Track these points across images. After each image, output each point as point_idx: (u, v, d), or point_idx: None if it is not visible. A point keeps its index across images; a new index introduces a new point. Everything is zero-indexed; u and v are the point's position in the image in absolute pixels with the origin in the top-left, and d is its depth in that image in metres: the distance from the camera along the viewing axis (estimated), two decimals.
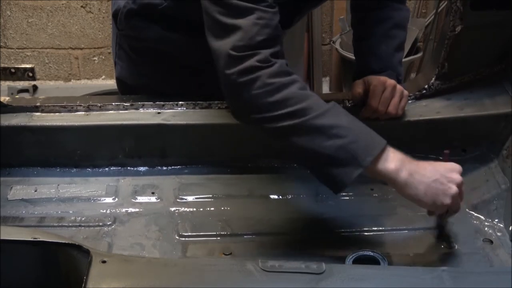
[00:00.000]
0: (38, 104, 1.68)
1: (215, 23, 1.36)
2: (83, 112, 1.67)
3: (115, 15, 1.74)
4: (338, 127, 1.30)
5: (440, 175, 1.31)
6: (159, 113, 1.67)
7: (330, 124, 1.30)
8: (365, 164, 1.28)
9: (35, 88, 3.71)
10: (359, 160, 1.28)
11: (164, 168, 1.68)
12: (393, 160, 1.31)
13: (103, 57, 3.91)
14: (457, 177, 1.32)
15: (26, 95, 3.60)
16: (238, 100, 1.37)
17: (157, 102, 1.69)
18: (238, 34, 1.31)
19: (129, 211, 1.56)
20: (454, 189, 1.30)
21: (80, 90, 3.68)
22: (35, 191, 1.59)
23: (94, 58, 3.91)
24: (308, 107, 1.30)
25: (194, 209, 1.56)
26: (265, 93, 1.31)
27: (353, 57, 1.80)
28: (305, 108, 1.30)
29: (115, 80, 1.92)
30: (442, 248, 1.44)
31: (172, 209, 1.56)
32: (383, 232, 1.50)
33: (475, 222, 1.52)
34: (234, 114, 1.45)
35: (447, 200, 1.30)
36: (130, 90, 1.80)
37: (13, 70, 2.28)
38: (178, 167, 1.68)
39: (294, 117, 1.30)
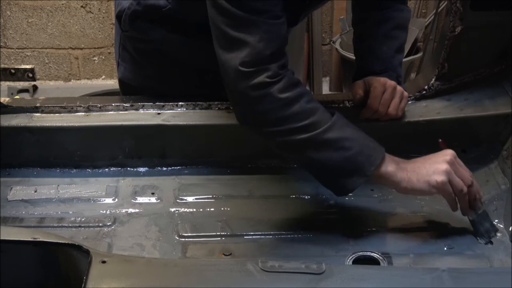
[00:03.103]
0: (38, 104, 1.68)
1: (222, 35, 1.36)
2: (83, 113, 1.68)
3: (119, 16, 1.73)
4: (344, 140, 1.36)
5: (429, 161, 1.38)
6: (159, 113, 1.67)
7: (337, 138, 1.36)
8: (369, 173, 1.37)
9: (35, 88, 3.71)
10: (364, 170, 1.36)
11: (164, 168, 1.68)
12: (390, 165, 1.38)
13: (103, 57, 3.91)
14: (446, 156, 1.37)
15: (26, 95, 3.60)
16: (249, 114, 1.41)
17: (157, 103, 1.69)
18: (246, 50, 1.32)
19: (129, 212, 1.56)
20: (444, 166, 1.35)
21: (80, 90, 3.68)
22: (35, 191, 1.59)
23: (94, 58, 3.92)
24: (316, 122, 1.35)
25: (194, 210, 1.56)
26: (276, 109, 1.35)
27: (353, 57, 1.80)
28: (314, 122, 1.35)
29: (115, 80, 1.92)
30: (442, 248, 1.44)
31: (172, 209, 1.56)
32: (383, 232, 1.50)
33: None
34: (246, 126, 1.47)
35: (441, 177, 1.35)
36: (133, 91, 1.80)
37: (13, 71, 2.26)
38: (178, 167, 1.69)
39: (305, 131, 1.35)
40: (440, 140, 1.49)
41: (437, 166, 1.36)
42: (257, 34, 1.32)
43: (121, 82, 1.87)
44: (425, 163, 1.38)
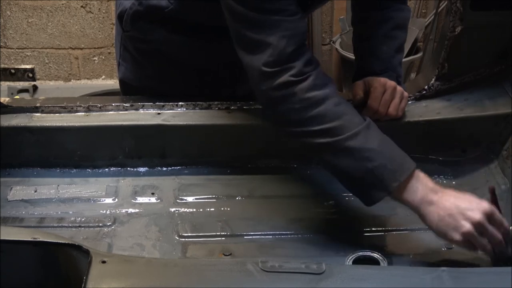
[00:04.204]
0: (38, 104, 1.68)
1: (243, 38, 1.37)
2: (83, 113, 1.67)
3: (120, 17, 1.73)
4: (368, 151, 1.32)
5: (457, 210, 1.28)
6: (159, 113, 1.67)
7: (361, 147, 1.32)
8: (390, 189, 1.31)
9: (35, 88, 3.70)
10: (385, 184, 1.31)
11: (164, 168, 1.68)
12: (417, 191, 1.31)
13: (103, 57, 3.91)
14: (475, 216, 1.26)
15: (26, 95, 3.59)
16: (274, 114, 1.41)
17: (157, 103, 1.69)
18: (268, 50, 1.32)
19: (129, 212, 1.56)
20: (466, 227, 1.26)
21: (80, 90, 3.68)
22: (35, 191, 1.59)
23: (94, 58, 3.91)
24: (341, 126, 1.33)
25: (194, 210, 1.56)
26: (301, 109, 1.34)
27: (353, 57, 1.79)
28: (338, 127, 1.32)
29: (115, 80, 1.92)
30: (442, 248, 1.44)
31: (172, 209, 1.56)
32: (383, 232, 1.50)
33: None
34: (274, 127, 1.47)
35: (457, 237, 1.27)
36: (133, 91, 1.80)
37: (13, 71, 2.26)
38: (178, 167, 1.69)
39: (326, 135, 1.33)
40: (491, 186, 1.39)
41: (460, 224, 1.26)
42: (277, 33, 1.32)
43: (121, 82, 1.87)
44: (452, 210, 1.28)
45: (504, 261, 1.32)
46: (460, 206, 1.28)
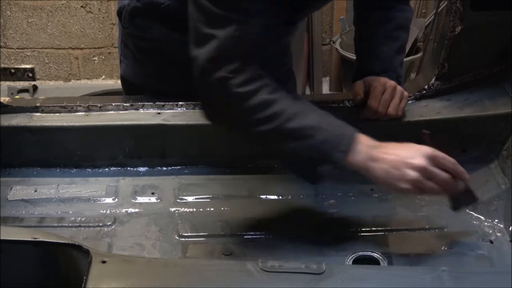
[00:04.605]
0: (38, 104, 1.68)
1: (195, 31, 1.36)
2: (83, 113, 1.68)
3: (119, 13, 1.74)
4: (308, 128, 1.32)
5: (400, 160, 1.29)
6: (159, 113, 1.67)
7: (300, 126, 1.32)
8: (336, 159, 1.32)
9: (35, 88, 3.71)
10: (330, 157, 1.32)
11: (164, 168, 1.68)
12: (361, 152, 1.31)
13: (103, 57, 3.91)
14: (418, 162, 1.27)
15: (26, 95, 3.60)
16: (213, 109, 1.41)
17: (157, 103, 1.69)
18: (213, 45, 1.32)
19: (129, 212, 1.56)
20: (411, 174, 1.27)
21: (80, 90, 3.68)
22: (35, 191, 1.59)
23: (94, 58, 3.92)
24: (277, 112, 1.33)
25: (194, 210, 1.56)
26: (236, 103, 1.34)
27: (353, 57, 1.80)
28: (275, 113, 1.33)
29: (115, 80, 1.92)
30: (442, 248, 1.44)
31: (172, 209, 1.56)
32: (383, 232, 1.50)
33: (475, 222, 1.52)
34: (213, 123, 1.46)
35: (405, 185, 1.28)
36: (134, 88, 1.80)
37: (13, 71, 2.27)
38: (178, 167, 1.68)
39: (266, 122, 1.33)
40: (425, 131, 1.40)
41: (404, 173, 1.27)
42: (227, 30, 1.31)
43: (122, 79, 1.88)
44: (395, 161, 1.29)
45: (462, 202, 1.38)
46: (401, 155, 1.29)
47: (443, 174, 1.29)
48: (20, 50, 3.87)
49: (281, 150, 1.39)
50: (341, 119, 1.37)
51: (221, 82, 1.33)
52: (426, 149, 1.30)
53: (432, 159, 1.29)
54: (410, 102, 1.69)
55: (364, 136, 1.34)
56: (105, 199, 1.59)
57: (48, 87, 3.86)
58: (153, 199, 1.60)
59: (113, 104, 1.69)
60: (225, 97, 1.34)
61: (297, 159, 1.39)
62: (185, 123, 1.65)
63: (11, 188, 1.60)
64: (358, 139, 1.32)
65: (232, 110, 1.36)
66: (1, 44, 3.80)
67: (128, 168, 1.68)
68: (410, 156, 1.29)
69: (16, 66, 2.24)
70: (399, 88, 1.61)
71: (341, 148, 1.31)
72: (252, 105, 1.33)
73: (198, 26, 1.35)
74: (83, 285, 0.99)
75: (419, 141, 1.66)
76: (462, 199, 1.39)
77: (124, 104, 1.69)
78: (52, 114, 1.67)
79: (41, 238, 1.07)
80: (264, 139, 1.38)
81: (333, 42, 3.74)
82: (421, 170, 1.27)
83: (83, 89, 3.75)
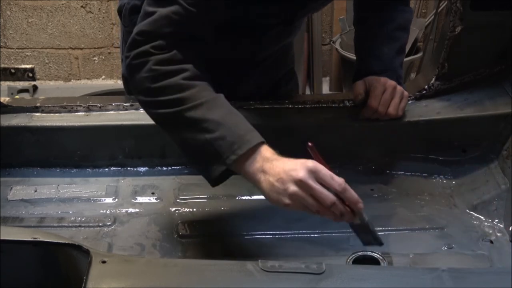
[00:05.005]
0: (38, 104, 1.68)
1: (142, 11, 1.36)
2: (83, 113, 1.68)
3: (119, 11, 1.74)
4: (208, 121, 1.25)
5: (283, 173, 1.19)
6: None
7: (201, 118, 1.26)
8: (228, 162, 1.24)
9: (35, 88, 3.71)
10: (223, 157, 1.24)
11: (164, 168, 1.68)
12: (257, 161, 1.23)
13: (103, 57, 3.91)
14: (298, 174, 1.17)
15: (26, 95, 3.60)
16: (129, 82, 1.38)
17: None
18: (150, 20, 1.31)
19: (129, 212, 1.56)
20: (291, 189, 1.18)
21: (80, 90, 3.68)
22: (35, 191, 1.60)
23: (94, 58, 3.92)
24: (185, 98, 1.28)
25: (194, 209, 1.56)
26: (149, 79, 1.30)
27: (353, 57, 1.80)
28: (182, 98, 1.28)
29: (115, 80, 1.92)
30: (442, 248, 1.44)
31: (172, 209, 1.56)
32: (383, 232, 1.49)
33: (475, 222, 1.52)
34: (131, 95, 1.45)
35: (287, 201, 1.19)
36: None
37: (13, 71, 2.27)
38: (178, 167, 1.69)
39: (169, 106, 1.29)
40: (309, 143, 1.25)
41: (286, 187, 1.18)
42: (167, 10, 1.30)
43: (124, 77, 1.88)
44: (280, 174, 1.20)
45: (362, 238, 1.28)
46: (286, 168, 1.20)
47: (322, 191, 1.18)
48: (20, 50, 3.87)
49: (177, 139, 1.33)
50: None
51: (143, 56, 1.30)
52: (310, 162, 1.20)
53: (314, 173, 1.18)
54: (410, 102, 1.69)
55: (268, 147, 1.25)
56: (105, 199, 1.59)
57: (48, 87, 3.87)
58: (153, 199, 1.60)
59: (113, 104, 1.69)
60: (142, 72, 1.30)
61: (191, 152, 1.32)
62: None
63: (11, 188, 1.60)
64: (260, 148, 1.24)
65: (143, 85, 1.31)
66: (1, 44, 3.80)
67: (128, 168, 1.68)
68: (293, 168, 1.19)
69: (16, 66, 2.24)
70: (399, 88, 1.61)
71: (236, 150, 1.23)
72: (162, 85, 1.29)
73: (145, 5, 1.34)
74: (83, 285, 0.99)
75: (419, 141, 1.67)
76: (360, 233, 1.29)
77: (124, 104, 1.69)
78: (52, 114, 1.67)
79: (41, 238, 1.07)
80: (164, 123, 1.34)
81: (333, 42, 3.74)
82: (299, 182, 1.18)
83: (83, 89, 3.75)
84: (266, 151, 1.24)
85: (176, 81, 1.29)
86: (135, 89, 1.36)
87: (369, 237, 1.29)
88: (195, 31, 1.34)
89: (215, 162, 1.25)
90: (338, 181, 1.19)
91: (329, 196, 1.19)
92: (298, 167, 1.19)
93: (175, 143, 1.36)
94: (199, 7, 1.31)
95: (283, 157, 1.23)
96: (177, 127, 1.31)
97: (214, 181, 1.30)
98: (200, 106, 1.27)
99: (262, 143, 1.25)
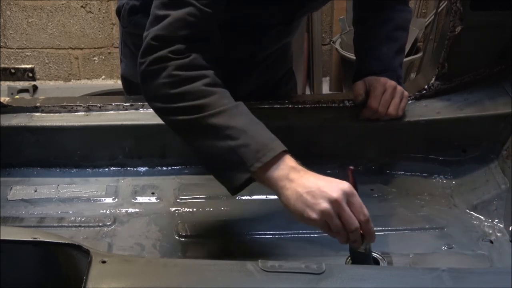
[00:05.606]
0: (38, 104, 1.68)
1: (152, 15, 1.34)
2: (83, 113, 1.68)
3: (118, 12, 1.73)
4: (231, 128, 1.24)
5: (316, 188, 1.19)
6: None
7: (224, 125, 1.24)
8: (253, 169, 1.22)
9: (35, 88, 3.71)
10: (247, 165, 1.22)
11: (164, 168, 1.68)
12: (282, 169, 1.23)
13: (103, 57, 3.91)
14: (333, 194, 1.18)
15: (26, 95, 3.60)
16: (144, 88, 1.35)
17: None
18: (164, 23, 1.29)
19: (129, 212, 1.56)
20: (323, 205, 1.17)
21: (80, 90, 3.68)
22: (35, 191, 1.60)
23: (94, 58, 3.92)
24: (206, 104, 1.26)
25: (194, 209, 1.56)
26: (168, 85, 1.28)
27: (353, 57, 1.79)
28: (203, 105, 1.26)
29: (115, 80, 1.92)
30: (442, 248, 1.44)
31: (172, 209, 1.56)
32: (383, 232, 1.50)
33: (475, 222, 1.52)
34: (148, 103, 1.39)
35: (314, 215, 1.18)
36: (134, 87, 1.79)
37: (13, 71, 2.27)
38: (178, 167, 1.69)
39: (189, 113, 1.27)
40: (350, 167, 1.29)
41: (318, 202, 1.18)
42: (180, 12, 1.28)
43: (123, 78, 1.88)
44: (312, 187, 1.20)
45: (358, 257, 1.29)
46: (320, 184, 1.20)
47: (353, 218, 1.20)
48: (20, 50, 3.87)
49: (197, 147, 1.30)
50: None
51: (161, 61, 1.28)
52: (346, 185, 1.20)
53: (349, 197, 1.20)
54: (410, 102, 1.69)
55: (291, 157, 1.25)
56: (105, 199, 1.59)
57: (48, 87, 3.87)
58: (153, 199, 1.60)
59: (113, 104, 1.69)
60: (160, 78, 1.28)
61: (211, 159, 1.29)
62: None
63: (11, 188, 1.60)
64: (283, 157, 1.24)
65: (162, 91, 1.29)
66: (1, 44, 3.80)
67: (128, 168, 1.68)
68: (328, 186, 1.19)
69: (16, 66, 2.24)
70: (399, 88, 1.61)
71: (261, 158, 1.22)
72: (182, 91, 1.27)
73: (155, 9, 1.32)
74: (83, 285, 0.99)
75: (419, 141, 1.67)
76: (355, 256, 1.30)
77: (124, 104, 1.69)
78: (52, 114, 1.67)
79: (41, 238, 1.07)
80: (184, 130, 1.31)
81: (333, 42, 3.74)
82: (334, 202, 1.18)
83: (83, 89, 3.76)
84: (290, 160, 1.24)
85: (197, 87, 1.27)
86: (151, 95, 1.33)
87: (362, 261, 1.30)
88: (209, 33, 1.33)
89: (239, 169, 1.23)
90: (365, 211, 1.21)
91: (356, 222, 1.20)
92: (334, 187, 1.19)
93: (192, 150, 1.34)
94: (214, 7, 1.31)
95: (310, 171, 1.24)
96: (196, 133, 1.28)
97: (235, 190, 1.27)
98: (223, 113, 1.25)
99: (285, 151, 1.25)
